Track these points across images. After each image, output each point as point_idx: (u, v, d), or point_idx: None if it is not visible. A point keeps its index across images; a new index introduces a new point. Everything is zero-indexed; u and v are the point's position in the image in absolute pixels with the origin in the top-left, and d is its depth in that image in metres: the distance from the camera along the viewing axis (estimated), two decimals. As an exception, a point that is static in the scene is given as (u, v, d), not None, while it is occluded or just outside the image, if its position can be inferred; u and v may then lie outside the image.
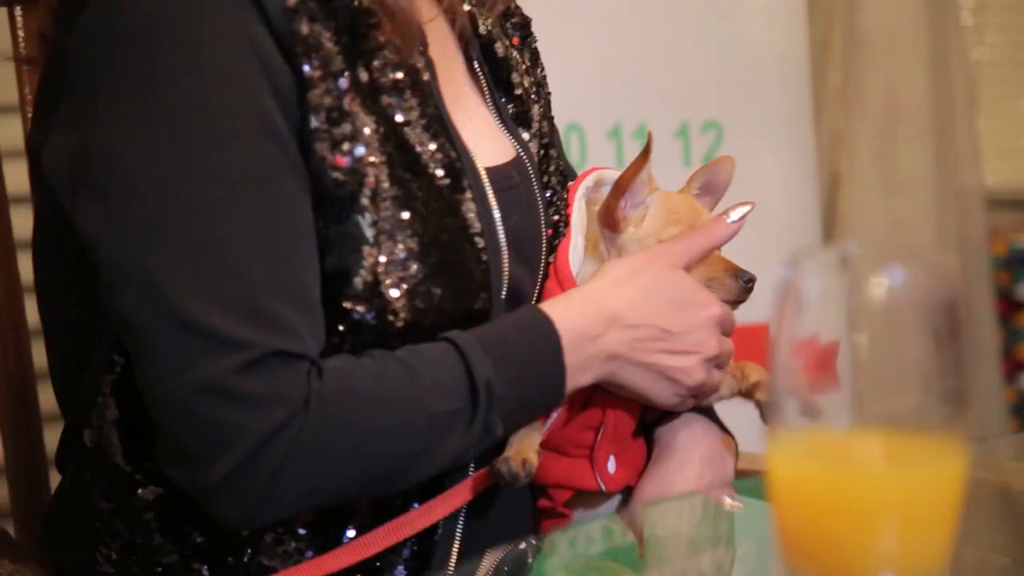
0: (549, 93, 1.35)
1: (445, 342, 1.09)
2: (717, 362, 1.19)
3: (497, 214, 1.15)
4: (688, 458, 1.22)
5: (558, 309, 1.13)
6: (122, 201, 1.02)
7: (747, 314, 2.53)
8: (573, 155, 2.52)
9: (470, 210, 1.12)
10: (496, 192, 1.16)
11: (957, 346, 0.64)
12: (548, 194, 1.26)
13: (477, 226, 1.12)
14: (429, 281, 1.08)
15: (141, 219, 1.02)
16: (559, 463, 1.19)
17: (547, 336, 1.11)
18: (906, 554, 0.64)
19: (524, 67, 1.30)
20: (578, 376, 1.12)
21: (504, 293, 1.15)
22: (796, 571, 0.65)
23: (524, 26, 1.34)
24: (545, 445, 1.15)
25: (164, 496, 1.12)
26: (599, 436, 1.18)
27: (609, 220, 1.19)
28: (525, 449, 1.11)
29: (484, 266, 1.12)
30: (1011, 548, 1.02)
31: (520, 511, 1.23)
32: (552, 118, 1.35)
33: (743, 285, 1.19)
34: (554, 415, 1.16)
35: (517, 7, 1.34)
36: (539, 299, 1.22)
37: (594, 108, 2.54)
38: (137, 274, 1.02)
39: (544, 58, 1.34)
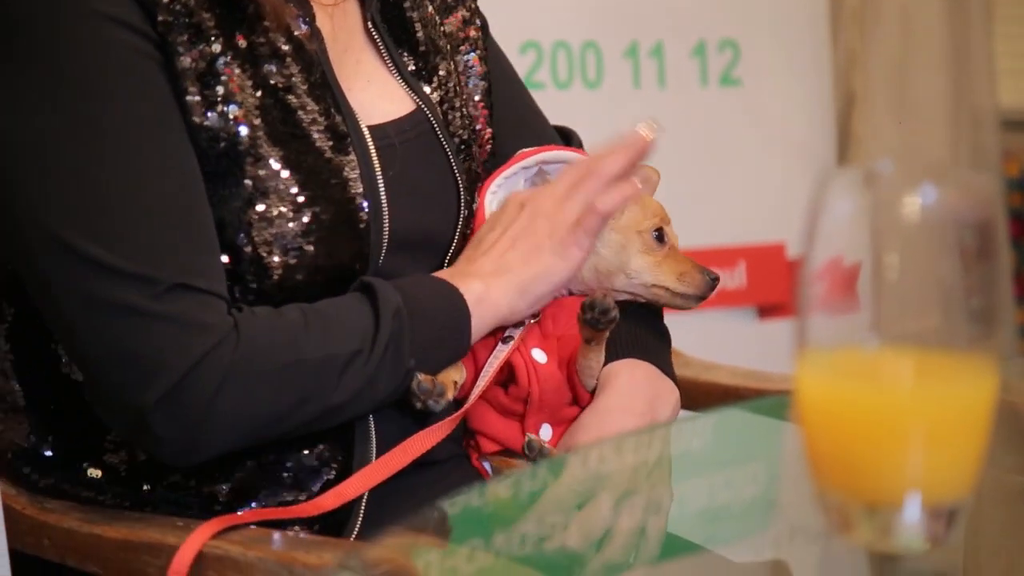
0: (481, 42, 1.36)
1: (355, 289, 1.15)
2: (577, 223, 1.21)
3: (379, 171, 1.19)
4: (626, 397, 1.24)
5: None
6: (10, 161, 1.08)
7: (760, 234, 2.51)
8: (590, 73, 2.50)
9: (353, 171, 1.16)
10: (378, 149, 1.20)
11: (988, 265, 0.64)
12: (456, 141, 1.29)
13: (359, 186, 1.16)
14: (303, 238, 1.12)
15: (31, 175, 1.07)
16: (498, 420, 1.26)
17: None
18: (934, 473, 0.64)
19: (438, 23, 1.32)
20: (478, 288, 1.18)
21: (386, 243, 1.19)
22: (824, 491, 0.65)
23: None
24: (487, 400, 1.23)
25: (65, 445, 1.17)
26: (527, 407, 1.24)
27: None
28: (441, 376, 1.16)
29: (364, 224, 1.16)
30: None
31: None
32: (499, 68, 1.38)
33: (709, 281, 1.25)
34: (482, 382, 1.21)
35: None
36: (464, 240, 1.27)
37: (610, 26, 2.52)
38: (36, 224, 1.07)
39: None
